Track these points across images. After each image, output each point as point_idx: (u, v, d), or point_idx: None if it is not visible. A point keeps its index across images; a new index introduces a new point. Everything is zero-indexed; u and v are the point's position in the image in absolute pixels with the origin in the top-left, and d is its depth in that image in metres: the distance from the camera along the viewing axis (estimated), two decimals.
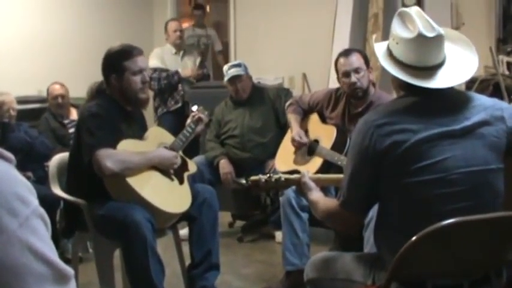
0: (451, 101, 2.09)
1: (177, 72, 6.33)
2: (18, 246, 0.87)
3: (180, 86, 6.46)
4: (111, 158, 3.04)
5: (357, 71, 3.80)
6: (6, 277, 0.86)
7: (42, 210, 0.93)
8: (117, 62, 3.28)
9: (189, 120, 3.69)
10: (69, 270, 0.95)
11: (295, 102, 4.35)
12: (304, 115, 4.31)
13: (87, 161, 3.09)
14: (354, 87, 3.80)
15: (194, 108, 3.77)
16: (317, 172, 3.78)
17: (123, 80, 3.26)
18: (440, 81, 2.05)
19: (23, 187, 0.92)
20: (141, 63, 3.33)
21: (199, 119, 3.68)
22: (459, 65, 2.13)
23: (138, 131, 3.42)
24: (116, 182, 3.12)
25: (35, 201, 0.93)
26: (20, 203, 0.89)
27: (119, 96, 3.32)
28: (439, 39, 2.05)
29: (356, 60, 3.83)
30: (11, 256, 0.87)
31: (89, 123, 3.15)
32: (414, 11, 2.11)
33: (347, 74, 3.81)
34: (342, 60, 3.88)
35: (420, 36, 2.02)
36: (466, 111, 2.04)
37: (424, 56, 2.06)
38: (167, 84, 6.30)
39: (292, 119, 4.27)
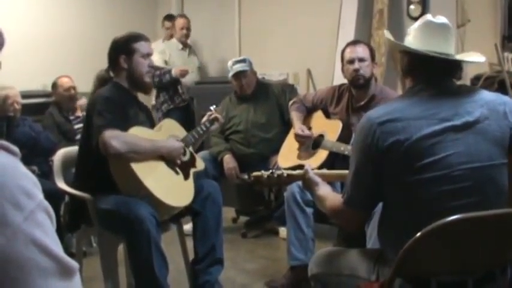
0: (453, 96, 2.09)
1: (169, 71, 6.32)
2: (23, 240, 0.87)
3: (180, 88, 6.50)
4: (118, 138, 3.06)
5: (361, 59, 3.90)
6: (11, 271, 0.86)
7: (47, 204, 0.93)
8: (127, 43, 3.37)
9: (204, 119, 3.75)
10: (74, 264, 0.95)
11: (298, 101, 4.40)
12: (308, 113, 4.34)
13: (95, 143, 3.10)
14: (356, 73, 3.88)
15: (212, 108, 3.81)
16: (322, 165, 3.82)
17: (132, 61, 3.35)
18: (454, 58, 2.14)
19: (28, 180, 0.92)
20: (148, 48, 3.44)
21: (215, 119, 3.73)
22: (468, 56, 2.23)
23: (146, 120, 3.45)
24: (121, 167, 3.12)
25: (40, 194, 0.92)
26: (25, 196, 0.89)
27: (125, 80, 3.37)
28: (446, 27, 2.16)
29: (362, 50, 3.95)
30: (16, 250, 0.86)
31: (99, 106, 3.17)
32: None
33: (351, 61, 3.91)
34: (348, 49, 3.99)
35: (428, 22, 2.16)
36: (468, 105, 2.04)
37: (431, 39, 2.13)
38: (158, 83, 6.26)
39: (294, 116, 4.31)
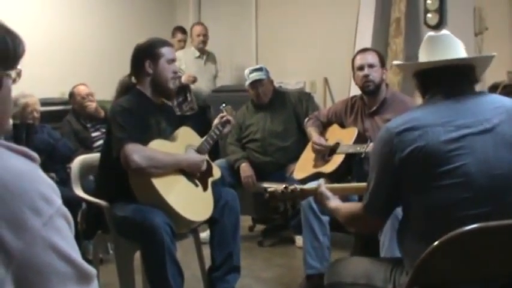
0: (472, 103, 2.08)
1: (179, 77, 6.35)
2: (42, 245, 0.88)
3: (189, 96, 6.53)
4: (139, 152, 3.05)
5: (370, 65, 3.95)
6: (30, 276, 0.87)
7: (65, 210, 0.94)
8: (152, 48, 3.34)
9: (216, 121, 3.70)
10: (92, 270, 0.96)
11: (313, 117, 4.44)
12: (324, 128, 4.35)
13: (116, 155, 3.10)
14: (366, 79, 3.92)
15: (222, 107, 3.76)
16: (338, 168, 3.82)
17: (158, 66, 3.32)
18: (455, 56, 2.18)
19: (47, 186, 0.93)
20: (173, 54, 3.43)
21: (227, 121, 3.68)
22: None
23: (166, 127, 3.42)
24: (142, 183, 3.12)
25: (58, 200, 0.93)
26: (44, 202, 0.90)
27: (149, 87, 3.35)
28: (446, 36, 2.23)
29: (371, 57, 4.00)
30: (35, 255, 0.87)
31: (119, 118, 3.16)
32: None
33: (361, 67, 3.96)
34: (358, 56, 4.07)
35: (428, 37, 2.26)
36: (488, 112, 2.03)
37: (433, 50, 2.19)
38: None
39: (312, 130, 4.32)
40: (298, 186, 2.66)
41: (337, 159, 3.98)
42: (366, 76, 3.90)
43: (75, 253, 0.93)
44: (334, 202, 2.47)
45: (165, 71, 3.33)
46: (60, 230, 0.91)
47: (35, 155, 0.96)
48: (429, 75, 2.17)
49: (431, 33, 2.27)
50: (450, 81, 2.13)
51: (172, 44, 3.49)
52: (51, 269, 0.88)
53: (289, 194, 2.63)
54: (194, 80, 6.51)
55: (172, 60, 3.39)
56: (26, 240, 0.86)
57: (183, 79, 6.40)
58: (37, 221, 0.88)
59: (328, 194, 2.50)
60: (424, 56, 2.22)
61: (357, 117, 4.07)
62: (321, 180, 2.62)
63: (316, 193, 2.56)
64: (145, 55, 3.33)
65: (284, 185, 2.65)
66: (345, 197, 2.58)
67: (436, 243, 1.80)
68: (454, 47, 2.18)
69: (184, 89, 6.49)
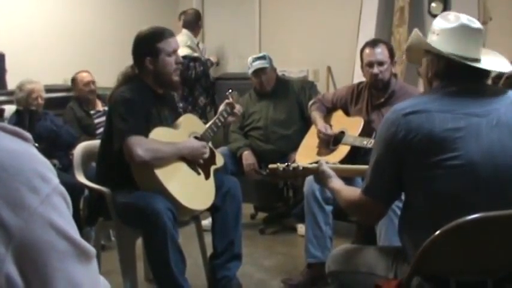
0: (480, 93, 2.07)
1: (209, 59, 6.33)
2: (40, 223, 0.88)
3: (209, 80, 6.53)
4: (142, 146, 3.04)
5: (380, 63, 3.88)
6: (30, 253, 0.87)
7: (62, 189, 0.94)
8: (151, 44, 3.27)
9: (221, 108, 3.68)
10: (91, 248, 0.96)
11: (318, 101, 4.41)
12: (328, 113, 4.33)
13: (117, 147, 3.09)
14: (375, 78, 3.89)
15: (228, 93, 3.72)
16: (342, 160, 3.80)
17: (158, 62, 3.26)
18: (485, 65, 2.07)
19: (43, 165, 0.93)
20: (174, 44, 3.34)
21: (233, 112, 3.66)
22: (494, 62, 2.15)
23: (169, 116, 3.41)
24: (144, 172, 3.12)
25: (55, 179, 0.93)
26: (40, 180, 0.90)
27: (152, 79, 3.31)
28: (480, 32, 2.09)
29: (381, 52, 3.91)
30: (33, 233, 0.87)
31: (121, 109, 3.14)
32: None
33: (370, 65, 3.90)
34: (367, 50, 3.96)
35: (463, 26, 2.07)
36: (494, 103, 2.02)
37: (465, 45, 2.07)
38: (203, 72, 6.24)
39: (316, 115, 4.31)
40: (301, 165, 2.63)
41: (342, 151, 3.96)
42: (376, 75, 3.87)
43: (74, 231, 0.93)
44: (337, 182, 2.41)
45: (166, 65, 3.27)
46: (58, 208, 0.91)
47: (27, 134, 0.96)
48: (451, 66, 2.07)
49: (465, 21, 2.08)
50: (471, 79, 2.08)
51: (173, 32, 3.37)
52: (50, 246, 0.88)
53: (290, 172, 2.61)
54: (218, 62, 6.64)
55: (174, 52, 3.31)
56: (25, 219, 0.86)
57: (213, 59, 6.43)
58: (35, 199, 0.88)
59: (331, 172, 2.46)
60: (452, 44, 2.07)
61: (362, 108, 4.04)
62: (323, 160, 2.58)
63: (317, 172, 2.52)
64: (144, 52, 3.27)
65: (286, 163, 2.63)
66: (347, 180, 2.53)
67: (436, 233, 1.80)
68: (481, 45, 2.12)
69: (205, 71, 6.42)
